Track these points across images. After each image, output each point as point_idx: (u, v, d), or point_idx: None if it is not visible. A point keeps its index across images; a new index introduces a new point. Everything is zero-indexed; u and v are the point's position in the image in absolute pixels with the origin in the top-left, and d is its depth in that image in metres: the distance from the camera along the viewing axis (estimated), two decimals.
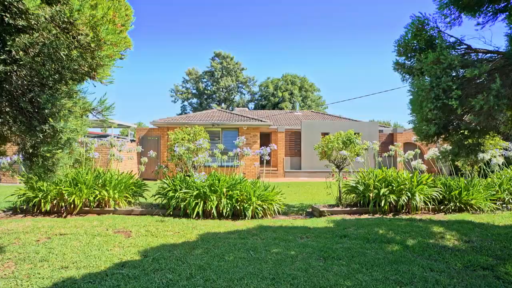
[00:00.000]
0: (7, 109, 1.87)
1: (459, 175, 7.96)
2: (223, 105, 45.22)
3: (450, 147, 4.11)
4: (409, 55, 4.21)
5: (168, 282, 3.17)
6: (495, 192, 6.98)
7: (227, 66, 44.57)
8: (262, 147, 7.39)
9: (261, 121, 16.88)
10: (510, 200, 6.98)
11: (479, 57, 3.70)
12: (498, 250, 4.14)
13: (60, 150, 2.37)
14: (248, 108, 45.07)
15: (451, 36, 3.76)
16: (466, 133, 3.50)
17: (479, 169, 7.87)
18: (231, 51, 47.10)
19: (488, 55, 3.78)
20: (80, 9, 1.66)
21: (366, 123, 19.82)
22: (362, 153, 7.45)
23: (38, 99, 1.86)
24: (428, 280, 3.22)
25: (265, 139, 19.85)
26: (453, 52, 3.79)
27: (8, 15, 1.50)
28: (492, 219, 5.98)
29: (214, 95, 45.47)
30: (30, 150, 2.85)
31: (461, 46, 3.78)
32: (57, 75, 1.84)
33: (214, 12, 65.03)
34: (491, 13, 3.31)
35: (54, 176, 3.45)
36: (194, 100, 46.63)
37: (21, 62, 1.68)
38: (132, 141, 18.13)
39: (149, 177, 13.69)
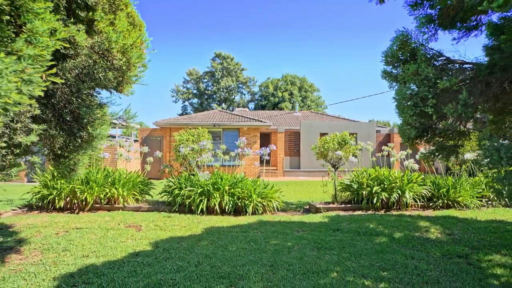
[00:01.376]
0: (52, 118, 2.28)
1: (450, 174, 8.39)
2: (223, 105, 45.64)
3: (433, 148, 4.54)
4: (395, 64, 4.62)
5: (178, 268, 3.60)
6: (481, 190, 7.40)
7: (228, 66, 44.98)
8: (262, 148, 7.82)
9: (261, 121, 17.30)
10: (495, 197, 7.40)
11: (456, 67, 4.13)
12: (475, 241, 4.58)
13: (93, 152, 2.80)
14: (249, 108, 45.51)
15: (432, 49, 4.18)
16: (441, 136, 3.93)
17: (467, 168, 8.29)
18: (231, 52, 47.53)
19: (468, 65, 4.22)
20: (117, 40, 2.08)
21: (364, 124, 20.23)
22: (357, 153, 7.87)
23: (78, 111, 2.28)
24: (408, 266, 3.65)
25: (265, 139, 20.28)
26: (437, 63, 4.23)
27: (62, 47, 1.92)
28: (476, 214, 6.41)
29: (214, 95, 45.89)
30: (59, 152, 3.28)
31: (441, 58, 4.20)
32: (92, 90, 2.25)
33: (214, 12, 65.44)
34: (464, 29, 3.74)
35: (75, 175, 3.89)
36: (195, 100, 47.04)
37: (68, 82, 2.10)
38: (135, 141, 18.56)
39: (153, 176, 14.12)
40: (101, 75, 2.17)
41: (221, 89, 45.11)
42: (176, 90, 46.59)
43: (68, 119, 2.33)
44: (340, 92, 75.41)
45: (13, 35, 1.14)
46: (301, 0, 64.37)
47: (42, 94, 1.35)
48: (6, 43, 1.12)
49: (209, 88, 45.78)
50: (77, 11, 1.92)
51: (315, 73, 72.72)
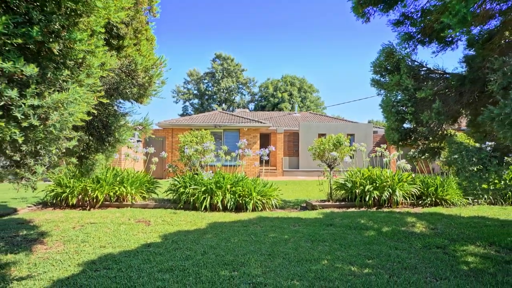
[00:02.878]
0: (85, 126, 2.73)
1: (444, 173, 8.84)
2: (223, 105, 46.10)
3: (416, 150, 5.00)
4: (383, 73, 5.08)
5: (187, 256, 4.06)
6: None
7: (228, 67, 45.45)
8: (262, 149, 8.28)
9: (260, 122, 17.76)
10: (481, 195, 7.85)
11: (437, 77, 4.58)
12: (455, 234, 5.04)
13: (114, 154, 3.26)
14: (249, 108, 45.97)
15: (415, 61, 4.64)
16: (424, 139, 4.38)
17: (455, 168, 8.73)
18: (231, 52, 47.94)
19: (448, 75, 4.68)
20: (142, 63, 2.52)
21: (362, 125, 20.69)
22: (351, 154, 8.33)
23: (107, 120, 2.72)
24: (391, 255, 4.11)
25: (265, 139, 20.74)
26: (422, 72, 4.69)
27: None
28: (461, 211, 6.87)
29: (215, 96, 46.34)
30: (82, 154, 3.74)
31: (423, 68, 4.67)
32: (118, 102, 2.70)
33: (214, 12, 65.90)
34: (442, 44, 4.19)
35: (94, 173, 4.34)
36: (195, 101, 47.50)
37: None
38: (138, 141, 19.01)
39: (156, 175, 14.57)
40: (127, 91, 2.62)
41: (222, 90, 45.57)
42: (176, 90, 47.04)
43: (98, 126, 2.78)
44: (340, 92, 75.84)
45: (79, 71, 1.57)
46: (301, 0, 64.85)
47: (94, 111, 1.79)
48: (75, 77, 1.54)
49: (210, 88, 46.24)
50: (110, 40, 2.36)
51: (315, 73, 73.16)
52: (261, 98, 45.86)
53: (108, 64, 1.85)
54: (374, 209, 7.30)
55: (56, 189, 7.12)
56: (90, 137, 2.85)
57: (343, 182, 7.86)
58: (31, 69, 1.27)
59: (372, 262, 3.88)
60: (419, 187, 7.63)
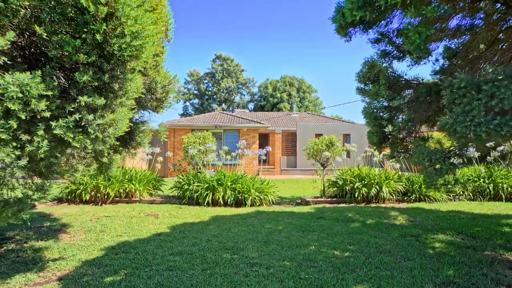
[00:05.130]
0: None
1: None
2: (223, 105, 46.71)
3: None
4: (366, 82, 5.70)
5: (193, 243, 4.69)
6: (450, 186, 8.48)
7: (228, 68, 46.05)
8: (260, 149, 8.91)
9: (259, 123, 18.39)
10: (461, 192, 8.51)
11: (414, 86, 5.21)
12: (430, 225, 5.68)
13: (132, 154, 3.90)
14: (248, 108, 46.59)
15: (394, 72, 5.26)
16: (401, 142, 5.02)
17: None
18: (231, 53, 48.59)
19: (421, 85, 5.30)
20: (161, 82, 3.13)
21: (358, 125, 21.31)
22: (343, 154, 8.96)
23: (130, 127, 3.35)
24: (370, 242, 4.74)
25: (264, 139, 21.37)
26: (400, 82, 5.31)
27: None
28: (441, 206, 7.52)
29: (215, 96, 46.94)
30: (106, 155, 4.37)
31: (401, 79, 5.29)
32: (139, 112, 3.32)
33: (214, 13, 66.44)
34: (415, 58, 4.81)
35: (111, 172, 4.97)
36: (196, 101, 48.08)
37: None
38: None
39: (160, 174, 15.20)
40: (148, 103, 3.23)
41: (221, 90, 46.17)
42: (177, 90, 47.60)
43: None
44: (340, 92, 76.39)
45: (123, 97, 2.18)
46: (301, 0, 65.37)
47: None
48: (121, 101, 2.15)
49: (210, 88, 46.83)
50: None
51: (314, 73, 73.73)
52: (261, 98, 46.46)
53: (140, 88, 2.46)
54: (363, 204, 7.94)
55: (70, 186, 7.75)
56: (117, 142, 3.47)
57: (335, 180, 8.50)
58: (100, 101, 1.88)
59: (353, 248, 4.52)
60: (405, 185, 8.27)
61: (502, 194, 8.23)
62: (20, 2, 1.60)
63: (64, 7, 1.71)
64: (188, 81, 47.75)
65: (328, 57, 71.57)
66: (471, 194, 8.42)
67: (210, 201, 7.54)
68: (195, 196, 7.69)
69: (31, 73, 1.66)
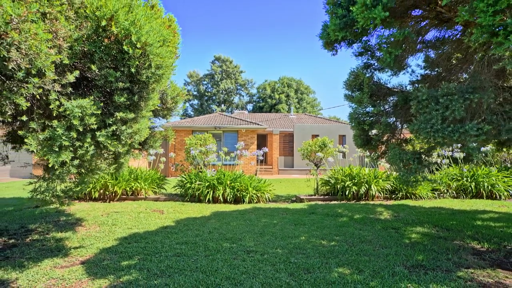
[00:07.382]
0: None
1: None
2: (223, 106, 47.27)
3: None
4: (353, 89, 6.29)
5: (197, 234, 5.25)
6: (436, 185, 9.09)
7: (227, 69, 46.64)
8: (257, 150, 9.48)
9: (258, 124, 18.96)
10: (445, 190, 9.10)
11: (396, 92, 5.78)
12: (411, 220, 6.25)
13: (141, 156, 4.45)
14: (247, 109, 47.16)
15: (377, 81, 5.84)
16: (383, 144, 5.59)
17: None
18: (230, 54, 49.13)
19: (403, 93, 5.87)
20: (171, 94, 3.68)
21: None
22: (335, 154, 9.54)
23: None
24: (355, 234, 5.32)
25: (262, 140, 21.95)
26: (382, 90, 5.88)
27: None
28: (425, 203, 8.10)
29: (214, 97, 47.52)
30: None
31: (384, 87, 5.87)
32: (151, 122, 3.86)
33: (214, 13, 67.00)
34: (396, 70, 5.38)
35: (121, 172, 5.52)
36: (195, 102, 48.64)
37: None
38: None
39: (161, 173, 15.75)
40: (160, 112, 3.78)
41: (221, 91, 46.75)
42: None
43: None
44: (338, 93, 77.03)
45: (145, 110, 2.74)
46: (301, 0, 65.96)
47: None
48: (143, 113, 2.70)
49: (209, 90, 47.40)
50: None
51: (312, 75, 74.34)
52: (259, 99, 47.05)
53: (157, 102, 3.02)
54: (353, 202, 8.52)
55: None
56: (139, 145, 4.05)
57: (327, 179, 9.08)
58: (131, 116, 2.44)
59: (338, 238, 5.09)
60: (392, 183, 8.85)
61: (483, 192, 8.83)
62: (81, 47, 2.14)
63: (110, 49, 2.26)
64: (187, 82, 48.30)
65: (326, 58, 72.20)
66: (454, 192, 9.01)
67: (210, 198, 8.11)
68: (196, 194, 8.26)
69: (85, 97, 2.21)
